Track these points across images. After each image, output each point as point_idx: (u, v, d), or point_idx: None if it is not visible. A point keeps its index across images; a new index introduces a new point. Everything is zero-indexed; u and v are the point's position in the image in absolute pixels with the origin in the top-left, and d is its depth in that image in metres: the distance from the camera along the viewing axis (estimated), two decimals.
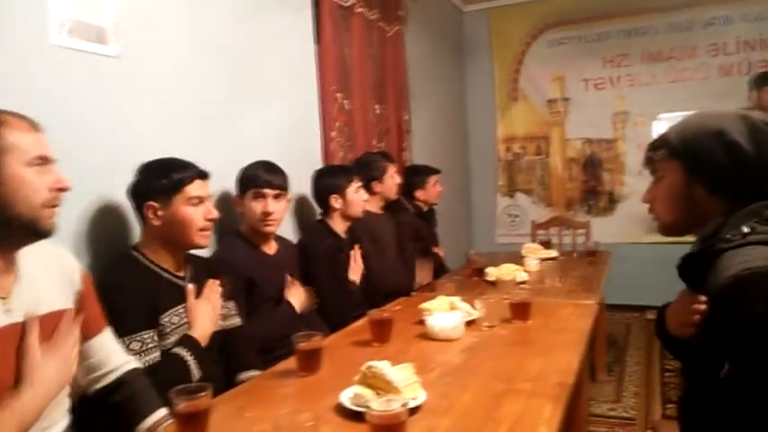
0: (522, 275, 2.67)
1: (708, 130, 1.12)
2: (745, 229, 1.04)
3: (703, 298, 1.07)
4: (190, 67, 2.08)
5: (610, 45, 4.73)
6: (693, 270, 1.13)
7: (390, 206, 3.07)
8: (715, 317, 1.03)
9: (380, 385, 1.28)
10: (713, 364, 1.02)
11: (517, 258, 3.08)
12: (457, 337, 1.78)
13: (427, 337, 1.81)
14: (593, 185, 4.92)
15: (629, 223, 4.58)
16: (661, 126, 4.44)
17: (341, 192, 2.46)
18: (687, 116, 1.22)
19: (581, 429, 2.09)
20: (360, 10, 3.13)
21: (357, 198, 2.48)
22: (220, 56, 2.22)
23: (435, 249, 3.28)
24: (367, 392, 1.27)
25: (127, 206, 1.73)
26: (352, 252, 2.48)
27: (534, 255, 3.26)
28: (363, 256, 2.54)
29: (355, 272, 2.47)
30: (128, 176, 1.66)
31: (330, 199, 2.46)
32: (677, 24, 4.53)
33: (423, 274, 2.91)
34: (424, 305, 1.98)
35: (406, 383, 1.29)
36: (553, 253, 3.41)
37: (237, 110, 2.30)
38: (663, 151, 1.20)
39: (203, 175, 1.69)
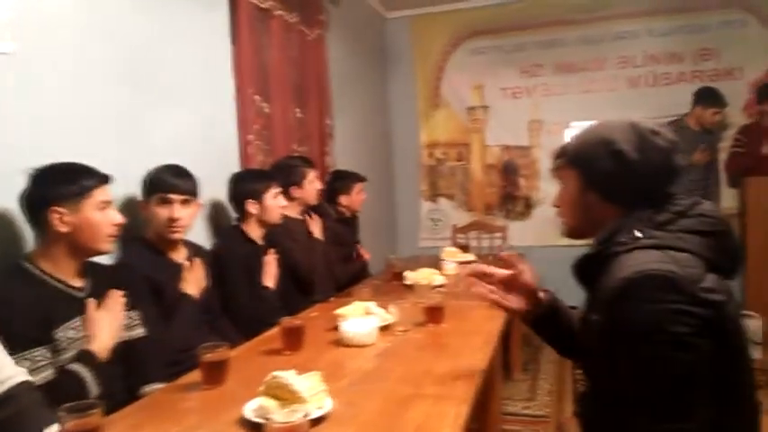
0: (439, 279, 2.71)
1: (598, 140, 1.18)
2: (637, 234, 1.10)
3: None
4: (91, 66, 1.97)
5: (526, 56, 4.90)
6: (588, 271, 1.18)
7: (312, 211, 3.04)
8: (608, 317, 1.07)
9: (285, 396, 1.26)
10: (608, 363, 1.07)
11: (437, 262, 3.12)
12: (371, 343, 1.79)
13: (341, 343, 1.80)
14: (511, 191, 5.07)
15: (544, 227, 4.75)
16: (573, 134, 4.62)
17: (258, 197, 2.40)
18: (586, 126, 1.28)
19: (494, 429, 2.13)
20: (279, 13, 3.09)
21: (275, 204, 2.44)
22: (126, 54, 2.13)
23: (361, 252, 3.27)
24: (271, 404, 1.25)
25: (15, 213, 1.61)
26: (266, 257, 2.43)
27: (453, 258, 3.32)
28: (287, 256, 2.51)
29: (269, 277, 2.42)
30: (17, 181, 1.55)
31: (247, 204, 2.40)
32: (588, 37, 4.75)
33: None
34: (339, 311, 1.97)
35: (312, 393, 1.27)
36: (470, 256, 3.48)
37: (144, 110, 2.21)
38: (563, 160, 1.25)
39: (107, 180, 1.62)
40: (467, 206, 5.21)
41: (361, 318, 1.90)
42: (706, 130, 4.10)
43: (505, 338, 3.55)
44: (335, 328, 1.88)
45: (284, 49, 3.18)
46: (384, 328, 1.90)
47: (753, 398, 1.11)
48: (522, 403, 3.16)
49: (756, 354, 3.62)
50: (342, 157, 3.89)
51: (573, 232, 1.27)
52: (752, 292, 3.90)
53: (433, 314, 1.94)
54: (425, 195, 5.31)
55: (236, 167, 2.71)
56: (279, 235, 2.57)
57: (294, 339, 1.75)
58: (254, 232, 2.44)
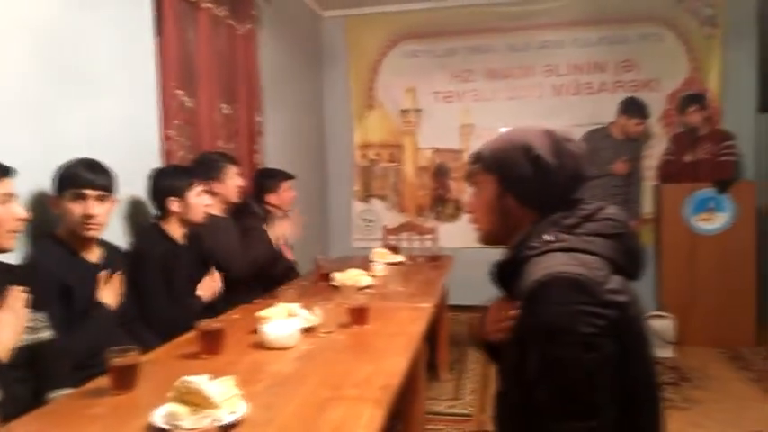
0: (366, 280, 2.71)
1: (515, 146, 1.20)
2: (548, 238, 1.12)
3: (512, 303, 1.14)
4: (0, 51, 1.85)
5: (457, 61, 4.98)
6: (505, 275, 1.21)
7: (239, 210, 2.97)
8: (520, 319, 1.10)
9: (196, 401, 1.21)
10: (520, 364, 1.10)
11: (368, 263, 3.13)
12: (292, 345, 1.76)
13: (262, 346, 1.77)
14: (442, 193, 5.15)
15: (473, 229, 4.83)
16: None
17: (180, 195, 2.32)
18: (500, 133, 1.31)
19: (417, 429, 2.14)
20: (207, 5, 3.00)
21: (198, 202, 2.35)
22: (39, 40, 2.00)
23: (287, 253, 3.22)
24: (182, 410, 1.20)
25: None
26: (211, 274, 2.39)
27: (382, 259, 3.34)
28: (214, 254, 2.45)
29: (206, 290, 2.35)
30: None
31: (168, 202, 2.31)
32: (515, 45, 4.88)
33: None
34: (261, 313, 1.93)
35: (224, 397, 1.24)
36: (400, 257, 3.51)
37: (58, 100, 2.09)
38: (479, 165, 1.27)
39: (9, 172, 1.52)
40: (399, 207, 5.25)
41: (283, 320, 1.86)
42: (630, 139, 4.28)
43: (432, 339, 3.60)
44: (257, 331, 1.84)
45: (212, 42, 3.09)
46: (307, 330, 1.88)
47: (656, 395, 1.16)
48: (446, 403, 3.21)
49: (669, 353, 3.84)
50: (273, 156, 3.82)
51: (488, 238, 1.29)
52: (665, 294, 4.13)
53: (358, 315, 1.94)
54: (358, 196, 5.31)
55: (156, 163, 2.61)
56: (202, 234, 2.49)
57: (212, 343, 1.70)
58: (175, 231, 2.35)
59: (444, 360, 3.59)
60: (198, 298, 2.33)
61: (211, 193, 2.63)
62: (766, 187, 4.14)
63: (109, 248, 2.06)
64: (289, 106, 4.32)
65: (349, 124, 5.23)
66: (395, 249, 3.76)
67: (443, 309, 3.59)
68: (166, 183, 2.35)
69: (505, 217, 1.23)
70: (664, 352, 3.83)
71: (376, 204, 5.29)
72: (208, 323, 1.74)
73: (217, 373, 1.34)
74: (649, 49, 4.65)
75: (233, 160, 2.85)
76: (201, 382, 1.23)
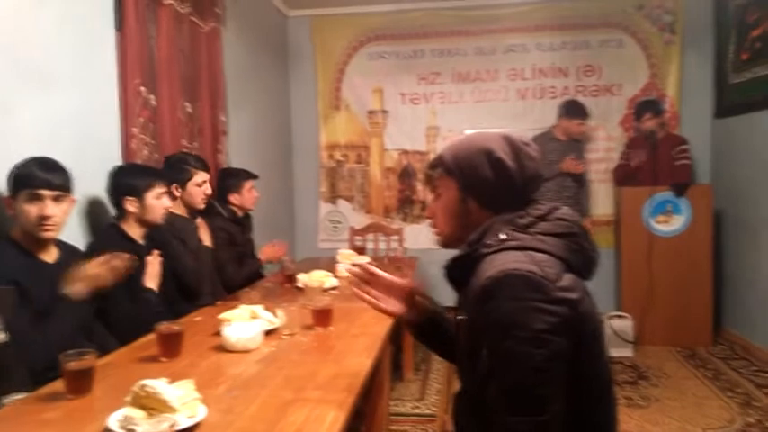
0: (331, 281, 2.70)
1: (477, 149, 1.21)
2: (503, 236, 1.14)
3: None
4: None
5: (424, 63, 5.01)
6: (458, 273, 1.22)
7: (202, 211, 2.93)
8: (474, 316, 1.11)
9: (154, 405, 1.19)
10: (474, 361, 1.11)
11: (334, 264, 3.12)
12: (254, 348, 1.74)
13: (223, 348, 1.74)
14: (408, 194, 5.17)
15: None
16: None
17: (138, 195, 2.26)
18: (459, 137, 1.32)
19: (380, 429, 2.14)
20: (169, 2, 2.95)
21: (157, 204, 2.29)
22: None
23: (259, 254, 3.19)
24: (138, 414, 1.18)
25: None
26: (148, 258, 2.30)
27: (348, 261, 3.33)
28: (168, 259, 2.39)
29: (151, 278, 2.29)
30: None
31: (125, 201, 2.26)
32: (482, 49, 4.93)
33: None
34: (224, 315, 1.90)
35: (183, 401, 1.22)
36: (365, 259, 3.50)
37: (11, 97, 2.02)
38: (439, 169, 1.27)
39: None
40: (366, 209, 5.24)
41: (245, 322, 1.84)
42: (573, 140, 4.37)
43: (398, 340, 3.61)
44: (219, 333, 1.82)
45: (175, 40, 3.04)
46: (270, 332, 1.86)
47: (609, 391, 1.18)
48: (411, 403, 3.21)
49: (628, 352, 3.93)
50: (237, 156, 3.78)
51: (449, 241, 1.29)
52: (625, 294, 4.21)
53: (321, 317, 1.93)
54: (325, 197, 5.29)
55: (117, 161, 2.55)
56: (164, 235, 2.44)
57: (171, 345, 1.67)
58: (134, 231, 2.29)
59: (410, 361, 3.60)
60: (150, 291, 2.26)
61: (175, 196, 2.59)
62: (722, 190, 4.28)
63: (66, 249, 2.00)
64: (254, 106, 4.27)
65: (315, 125, 5.20)
66: (361, 250, 3.76)
67: None
68: (124, 182, 2.29)
69: (466, 220, 1.24)
70: (623, 351, 3.93)
71: (342, 205, 5.28)
72: (166, 326, 1.71)
73: (176, 377, 1.33)
74: (610, 54, 4.76)
75: (205, 166, 2.80)
76: (159, 385, 1.21)
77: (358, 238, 4.48)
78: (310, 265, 3.17)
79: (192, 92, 3.24)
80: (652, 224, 4.11)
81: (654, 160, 4.16)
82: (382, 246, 4.45)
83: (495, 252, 1.12)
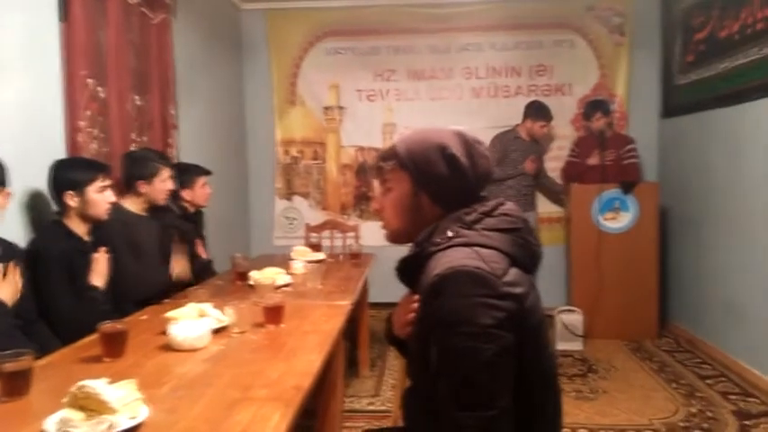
0: (284, 279, 2.67)
1: (431, 145, 1.22)
2: (450, 234, 1.15)
3: (417, 297, 1.16)
4: None
5: (380, 60, 5.00)
6: (409, 271, 1.22)
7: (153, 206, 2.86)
8: (423, 313, 1.11)
9: (94, 406, 1.15)
10: (424, 358, 1.11)
11: (288, 261, 3.08)
12: (202, 346, 1.70)
13: (170, 347, 1.70)
14: (365, 191, 5.16)
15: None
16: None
17: (78, 189, 2.18)
18: (413, 131, 1.32)
19: (333, 427, 2.13)
20: None
21: (99, 199, 2.22)
22: None
23: (199, 250, 3.12)
24: (77, 415, 1.14)
25: None
26: (94, 255, 2.22)
27: (302, 258, 3.30)
28: (116, 260, 2.31)
29: (97, 276, 2.22)
30: None
31: (65, 196, 2.17)
32: (436, 47, 4.96)
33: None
34: (170, 314, 1.86)
35: (124, 402, 1.18)
36: (320, 255, 3.49)
37: None
38: (392, 162, 1.27)
39: None
40: (322, 205, 5.21)
41: (193, 320, 1.80)
42: (535, 141, 4.49)
43: (354, 336, 3.61)
44: (166, 332, 1.77)
45: (123, 31, 2.95)
46: (219, 331, 1.83)
47: (553, 384, 1.21)
48: (367, 399, 3.22)
49: (578, 345, 4.02)
50: (189, 150, 3.70)
51: (397, 236, 1.29)
52: (575, 289, 4.31)
53: (272, 315, 1.90)
54: (280, 193, 5.23)
55: (61, 155, 2.46)
56: (110, 231, 2.36)
57: (115, 345, 1.62)
58: (78, 227, 2.22)
59: (365, 357, 3.61)
60: (96, 289, 2.19)
61: (136, 191, 2.53)
62: (668, 188, 4.43)
63: (5, 246, 1.92)
64: (206, 100, 4.19)
65: (270, 120, 5.13)
66: (316, 247, 3.74)
67: (364, 306, 3.60)
68: (64, 175, 2.21)
69: (417, 215, 1.24)
70: (573, 345, 4.02)
71: (299, 202, 5.23)
72: (110, 325, 1.66)
73: (120, 377, 1.29)
74: (562, 54, 4.86)
75: (168, 162, 2.75)
76: (98, 386, 1.17)
77: (314, 234, 4.45)
78: (265, 262, 3.13)
79: (141, 84, 3.15)
80: (601, 221, 4.22)
81: (603, 159, 4.27)
82: (338, 243, 4.43)
83: (443, 249, 1.13)
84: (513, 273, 1.10)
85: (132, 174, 2.61)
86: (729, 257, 3.65)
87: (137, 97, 3.10)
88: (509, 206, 1.22)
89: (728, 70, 3.63)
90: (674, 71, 4.44)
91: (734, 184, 3.59)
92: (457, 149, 1.20)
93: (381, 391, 3.32)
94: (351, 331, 3.59)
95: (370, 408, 3.12)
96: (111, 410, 1.15)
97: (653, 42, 4.71)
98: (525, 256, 1.16)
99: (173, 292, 2.52)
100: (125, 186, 2.65)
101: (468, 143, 1.22)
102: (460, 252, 1.10)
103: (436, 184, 1.21)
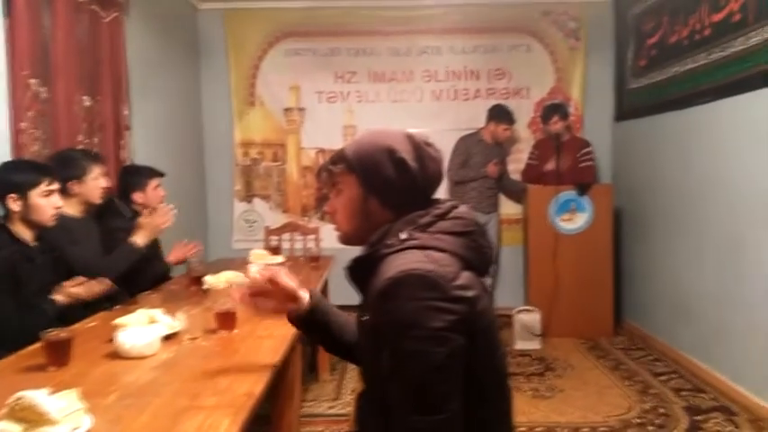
0: (240, 283, 2.63)
1: (379, 148, 1.21)
2: (403, 236, 1.14)
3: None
4: None
5: (340, 61, 4.99)
6: (361, 273, 1.21)
7: (102, 209, 2.78)
8: (374, 316, 1.11)
9: (32, 418, 1.11)
10: (375, 362, 1.11)
11: (246, 265, 3.04)
12: (151, 354, 1.66)
13: (118, 355, 1.65)
14: (326, 193, 5.09)
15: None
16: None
17: (21, 193, 2.10)
18: (362, 134, 1.31)
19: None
20: None
21: (44, 203, 2.13)
22: None
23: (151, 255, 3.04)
24: (15, 428, 1.09)
25: None
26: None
27: (261, 261, 3.26)
28: (64, 263, 2.24)
29: (66, 294, 2.16)
30: None
31: (7, 200, 2.09)
32: (397, 49, 4.97)
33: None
34: (119, 320, 1.80)
35: (65, 413, 1.14)
36: (279, 258, 3.45)
37: None
38: (341, 166, 1.26)
39: None
40: (282, 207, 5.16)
41: (142, 327, 1.76)
42: (497, 144, 4.55)
43: (295, 343, 3.57)
44: (114, 340, 1.72)
45: (72, 29, 2.86)
46: (170, 338, 1.79)
47: (505, 385, 1.21)
48: (327, 404, 3.20)
49: (536, 345, 4.08)
50: (143, 152, 3.61)
51: (348, 238, 1.28)
52: (532, 289, 4.38)
53: (225, 320, 1.87)
54: (239, 196, 5.16)
55: (6, 157, 2.38)
56: (56, 237, 2.29)
57: (59, 353, 1.57)
58: (23, 232, 2.14)
59: (325, 361, 3.58)
60: (52, 302, 2.12)
61: (68, 192, 2.44)
62: (622, 189, 4.54)
63: None
64: (161, 100, 4.10)
65: (229, 121, 5.06)
66: (275, 250, 3.70)
67: None
68: (7, 179, 2.13)
69: (367, 218, 1.24)
70: (531, 344, 4.08)
71: (258, 204, 5.17)
72: (55, 333, 1.60)
73: (62, 387, 1.24)
74: (519, 58, 4.93)
75: (97, 158, 2.66)
76: (38, 396, 1.13)
77: (274, 237, 4.40)
78: (222, 266, 3.07)
79: (91, 85, 3.07)
80: (557, 222, 4.29)
81: (560, 162, 4.35)
82: (299, 245, 4.40)
83: (396, 252, 1.12)
84: (465, 276, 1.10)
85: (62, 175, 2.44)
86: (680, 257, 3.76)
87: (86, 98, 3.01)
88: (462, 209, 1.23)
89: (679, 75, 3.74)
90: (627, 75, 4.56)
91: (683, 185, 3.70)
92: (405, 152, 1.19)
93: (341, 395, 3.31)
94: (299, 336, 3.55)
95: (330, 412, 3.10)
96: (51, 422, 1.11)
97: (607, 47, 4.82)
98: (477, 259, 1.17)
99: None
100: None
101: (418, 146, 1.21)
102: (412, 255, 1.09)
103: (385, 187, 1.20)
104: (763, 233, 2.92)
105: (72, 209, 2.53)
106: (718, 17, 3.28)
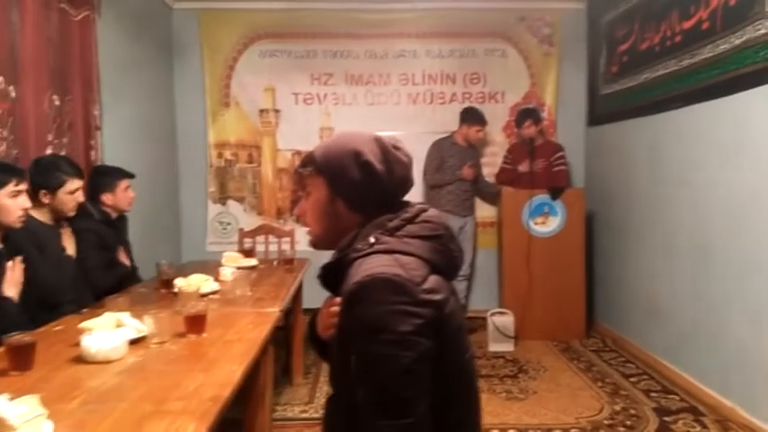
0: (211, 286, 2.60)
1: (346, 150, 1.21)
2: (372, 240, 1.14)
3: (338, 300, 1.15)
4: None
5: (317, 63, 4.96)
6: (332, 278, 1.21)
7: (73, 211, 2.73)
8: (342, 320, 1.10)
9: None
10: (344, 365, 1.10)
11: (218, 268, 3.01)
12: (117, 358, 1.63)
13: (83, 360, 1.62)
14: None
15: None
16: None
17: None
18: (332, 137, 1.31)
19: None
20: None
21: (11, 205, 2.08)
22: None
23: (122, 258, 2.99)
24: None
25: None
26: (8, 263, 2.10)
27: (233, 264, 3.23)
28: (26, 267, 2.19)
29: (11, 286, 2.09)
30: None
31: None
32: (374, 52, 4.97)
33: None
34: (85, 324, 1.77)
35: (25, 419, 1.11)
36: (253, 261, 3.42)
37: None
38: (310, 168, 1.25)
39: None
40: (257, 210, 5.12)
41: (108, 331, 1.72)
42: (471, 146, 4.58)
43: (288, 343, 3.56)
44: (80, 344, 1.69)
45: (41, 28, 2.81)
46: (137, 342, 1.76)
47: (473, 390, 1.22)
48: (300, 407, 3.18)
49: (509, 347, 4.11)
50: (115, 153, 3.55)
51: (319, 241, 1.28)
52: (506, 291, 4.41)
53: (193, 324, 1.84)
54: (213, 197, 5.10)
55: None
56: (21, 240, 2.24)
57: (22, 358, 1.53)
58: None
59: (299, 364, 3.56)
60: (9, 299, 2.07)
61: (39, 201, 2.40)
62: (594, 193, 4.60)
63: None
64: (133, 100, 4.04)
65: (203, 122, 4.99)
66: (249, 253, 3.66)
67: (298, 312, 3.56)
68: None
69: (335, 220, 1.23)
70: (505, 346, 4.11)
71: (233, 206, 5.11)
72: (17, 337, 1.56)
73: (25, 392, 1.22)
74: (494, 63, 4.97)
75: (79, 173, 2.59)
76: None
77: (248, 240, 4.36)
78: (194, 268, 3.03)
79: (61, 84, 3.01)
80: (531, 225, 4.33)
81: (533, 165, 4.39)
82: (273, 248, 4.37)
83: (364, 256, 1.12)
84: (433, 280, 1.10)
85: (35, 182, 2.38)
86: (651, 260, 3.82)
87: (56, 97, 2.96)
88: (431, 213, 1.23)
89: (650, 81, 3.81)
90: (599, 81, 4.62)
91: (654, 190, 3.76)
92: (372, 155, 1.19)
93: (315, 399, 3.29)
94: (285, 338, 3.54)
95: (304, 416, 3.08)
96: (10, 428, 1.08)
97: (580, 53, 4.89)
98: (445, 263, 1.17)
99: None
100: (32, 194, 2.51)
101: (385, 148, 1.21)
102: (380, 259, 1.09)
103: (351, 189, 1.20)
104: (731, 236, 2.98)
105: (42, 216, 2.48)
106: (688, 24, 3.35)
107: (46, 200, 2.45)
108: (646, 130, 3.88)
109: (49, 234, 2.49)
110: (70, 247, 2.58)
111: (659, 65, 3.68)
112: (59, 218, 2.56)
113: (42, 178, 2.44)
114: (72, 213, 2.57)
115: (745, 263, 2.88)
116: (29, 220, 2.27)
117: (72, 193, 2.53)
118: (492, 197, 4.85)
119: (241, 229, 4.50)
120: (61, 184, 2.48)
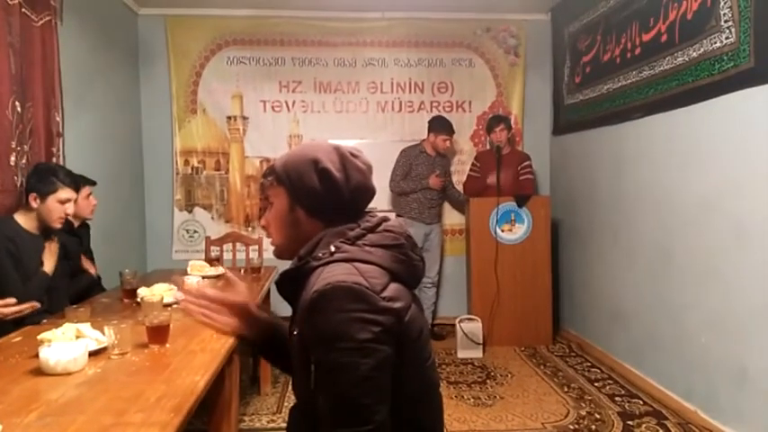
0: (176, 295, 2.56)
1: (305, 159, 1.22)
2: (332, 248, 1.15)
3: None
4: None
5: (285, 71, 4.96)
6: (291, 286, 1.21)
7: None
8: (303, 329, 1.11)
9: None
10: (305, 374, 1.10)
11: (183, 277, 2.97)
12: (77, 370, 1.60)
13: (42, 372, 1.59)
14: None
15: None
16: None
17: None
18: (294, 147, 1.32)
19: None
20: None
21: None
22: None
23: (86, 266, 2.93)
24: None
25: None
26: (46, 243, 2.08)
27: (199, 272, 3.19)
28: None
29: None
30: None
31: None
32: (343, 60, 4.99)
33: None
34: (43, 335, 1.73)
35: None
36: (219, 270, 3.38)
37: None
38: (271, 178, 1.27)
39: None
40: (225, 217, 5.07)
41: (67, 342, 1.69)
42: (439, 155, 4.62)
43: (230, 356, 3.51)
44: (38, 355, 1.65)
45: (2, 33, 2.74)
46: (97, 353, 1.73)
47: (435, 395, 1.23)
48: (267, 417, 3.15)
49: (478, 353, 4.14)
50: (78, 160, 3.48)
51: (281, 251, 1.29)
52: (474, 299, 4.45)
53: (156, 334, 1.82)
54: (180, 205, 5.03)
55: None
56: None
57: None
58: None
59: (267, 374, 3.53)
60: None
61: (28, 205, 2.41)
62: (559, 201, 4.68)
63: None
64: (97, 107, 3.97)
65: (169, 129, 4.94)
66: (215, 261, 3.62)
67: None
68: None
69: (296, 229, 1.24)
70: (473, 353, 4.14)
71: (200, 214, 5.06)
72: None
73: None
74: (462, 72, 5.03)
75: (75, 184, 2.58)
76: None
77: (215, 248, 4.32)
78: (159, 277, 2.99)
79: (22, 90, 2.94)
80: (498, 232, 4.38)
81: (500, 174, 4.45)
82: (241, 256, 4.33)
83: (324, 264, 1.13)
84: (393, 288, 1.11)
85: (29, 185, 2.46)
86: (614, 266, 3.90)
87: (17, 104, 2.89)
88: (393, 222, 1.24)
89: (612, 91, 3.90)
90: (563, 91, 4.72)
91: (616, 198, 3.85)
92: (330, 163, 1.20)
93: (283, 408, 3.27)
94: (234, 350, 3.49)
95: (271, 425, 3.06)
96: None
97: (545, 63, 4.98)
98: (406, 271, 1.19)
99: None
100: (25, 197, 2.49)
101: (344, 156, 1.23)
102: (340, 268, 1.10)
103: (310, 197, 1.21)
104: (691, 242, 3.07)
105: (26, 222, 2.43)
106: (647, 37, 3.44)
107: (35, 204, 2.43)
108: (608, 140, 3.97)
109: (30, 245, 2.44)
110: (50, 262, 2.52)
111: (620, 76, 3.77)
112: (46, 229, 2.51)
113: (36, 181, 2.46)
114: (58, 225, 2.52)
115: (704, 268, 2.96)
116: (8, 224, 2.23)
117: (62, 202, 2.51)
118: (460, 205, 4.90)
119: (208, 237, 4.45)
120: (53, 191, 2.48)
